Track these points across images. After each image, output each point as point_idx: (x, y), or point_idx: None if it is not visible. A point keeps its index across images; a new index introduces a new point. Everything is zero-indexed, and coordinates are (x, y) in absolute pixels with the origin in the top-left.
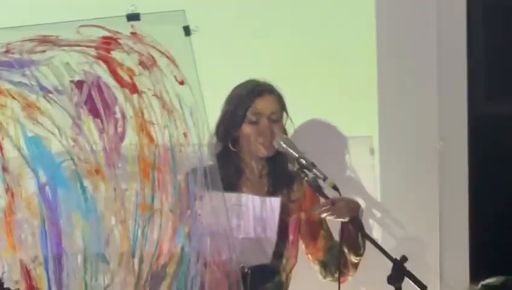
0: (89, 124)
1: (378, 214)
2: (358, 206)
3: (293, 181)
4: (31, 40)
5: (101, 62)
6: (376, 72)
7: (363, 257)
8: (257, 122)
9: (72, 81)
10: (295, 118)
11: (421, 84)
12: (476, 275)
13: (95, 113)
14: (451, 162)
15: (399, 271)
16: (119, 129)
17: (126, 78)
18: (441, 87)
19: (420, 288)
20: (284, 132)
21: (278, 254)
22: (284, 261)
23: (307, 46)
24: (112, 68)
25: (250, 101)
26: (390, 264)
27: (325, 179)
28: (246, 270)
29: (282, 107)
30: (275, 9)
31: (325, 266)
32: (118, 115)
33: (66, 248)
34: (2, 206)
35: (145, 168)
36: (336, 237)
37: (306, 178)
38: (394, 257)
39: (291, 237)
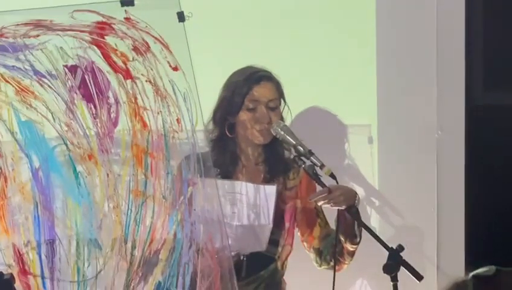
0: (82, 109)
1: (377, 203)
2: (355, 194)
3: (289, 169)
4: (25, 24)
5: (95, 47)
6: (375, 61)
7: (359, 245)
8: (254, 110)
9: (65, 66)
10: (293, 106)
11: (420, 73)
12: (472, 265)
13: (88, 98)
14: (450, 152)
15: (395, 260)
16: (113, 114)
17: (120, 63)
18: (440, 76)
19: (416, 277)
20: (282, 119)
21: (274, 241)
22: (280, 249)
23: (304, 33)
24: (106, 53)
25: (248, 88)
26: (386, 253)
27: (322, 166)
28: (241, 257)
29: (280, 94)
30: None
31: (320, 254)
32: (112, 100)
33: (59, 232)
34: None
35: (138, 154)
36: (332, 225)
37: (303, 166)
38: (390, 246)
39: (287, 225)
